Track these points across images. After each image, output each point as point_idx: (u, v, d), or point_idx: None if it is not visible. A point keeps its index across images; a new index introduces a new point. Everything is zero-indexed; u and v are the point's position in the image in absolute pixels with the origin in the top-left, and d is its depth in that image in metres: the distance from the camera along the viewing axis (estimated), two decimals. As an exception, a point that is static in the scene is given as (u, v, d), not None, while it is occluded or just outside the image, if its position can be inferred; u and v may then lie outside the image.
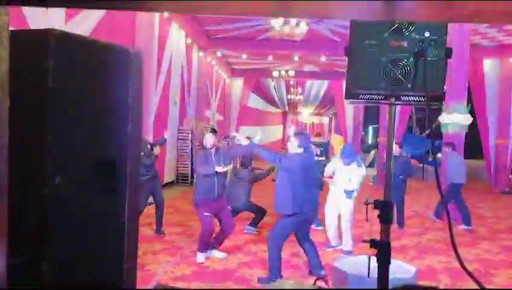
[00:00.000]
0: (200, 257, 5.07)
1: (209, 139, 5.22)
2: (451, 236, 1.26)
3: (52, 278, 2.03)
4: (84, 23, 6.28)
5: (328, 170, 5.97)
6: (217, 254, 5.25)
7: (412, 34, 1.96)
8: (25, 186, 1.99)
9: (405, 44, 1.96)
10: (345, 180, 5.64)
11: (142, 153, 6.01)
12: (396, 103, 2.07)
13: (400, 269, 3.01)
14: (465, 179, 7.98)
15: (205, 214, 5.06)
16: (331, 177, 5.91)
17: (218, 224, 5.35)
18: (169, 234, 6.32)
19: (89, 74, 2.22)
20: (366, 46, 1.98)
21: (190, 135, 12.05)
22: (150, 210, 8.06)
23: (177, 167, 11.93)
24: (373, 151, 20.38)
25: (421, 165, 17.83)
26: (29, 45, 2.02)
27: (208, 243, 5.17)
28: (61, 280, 2.05)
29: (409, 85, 1.95)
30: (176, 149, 11.87)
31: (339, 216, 5.88)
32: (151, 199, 8.16)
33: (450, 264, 5.38)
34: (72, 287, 2.08)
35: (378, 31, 1.98)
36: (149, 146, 6.37)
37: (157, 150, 6.39)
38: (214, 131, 5.34)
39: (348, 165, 5.68)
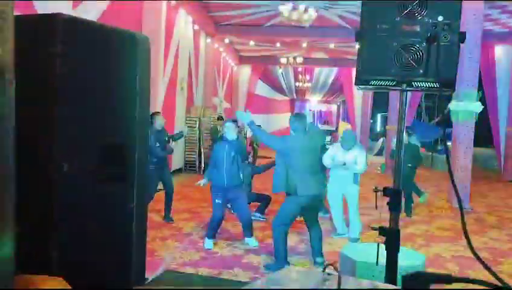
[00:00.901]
0: (208, 243, 5.11)
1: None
2: (463, 224, 1.24)
3: (61, 263, 2.05)
4: (91, 11, 6.25)
5: (326, 155, 5.88)
6: (250, 241, 5.29)
7: (425, 18, 1.91)
8: (34, 172, 1.99)
9: (417, 28, 1.92)
10: (351, 163, 5.60)
11: (158, 144, 6.04)
12: (407, 89, 2.03)
13: (408, 256, 3.00)
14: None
15: (216, 200, 5.12)
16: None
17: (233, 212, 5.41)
18: (177, 221, 6.36)
19: (97, 58, 2.21)
20: (378, 30, 1.94)
21: (198, 122, 12.04)
22: (158, 196, 8.10)
23: (185, 154, 11.96)
24: (381, 139, 20.26)
25: (430, 153, 17.73)
26: (37, 30, 2.02)
27: (216, 231, 5.20)
28: (70, 265, 2.06)
29: (421, 71, 1.91)
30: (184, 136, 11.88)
31: (345, 204, 5.87)
32: (160, 186, 8.20)
33: (458, 252, 5.36)
34: (82, 271, 2.10)
35: (390, 15, 1.94)
36: (167, 138, 6.39)
37: (173, 144, 6.38)
38: (221, 118, 5.37)
39: (349, 150, 5.65)
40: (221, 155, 5.14)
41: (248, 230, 5.33)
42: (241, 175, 5.31)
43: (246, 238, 5.34)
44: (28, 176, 1.70)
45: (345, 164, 5.60)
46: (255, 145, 12.49)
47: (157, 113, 6.46)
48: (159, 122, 6.22)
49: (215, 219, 5.14)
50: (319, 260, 4.60)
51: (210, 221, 5.22)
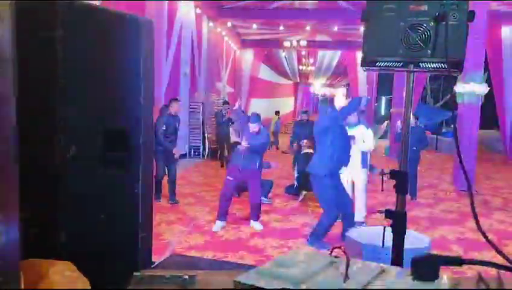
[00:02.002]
0: (217, 225, 5.18)
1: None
2: (472, 206, 1.23)
3: (67, 247, 2.06)
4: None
5: None
6: (256, 225, 5.34)
7: (433, -4, 1.87)
8: (39, 158, 1.99)
9: (425, 8, 1.87)
10: (359, 141, 5.55)
11: (164, 128, 6.37)
12: (415, 70, 1.99)
13: (414, 239, 3.00)
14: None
15: (228, 177, 5.27)
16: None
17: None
18: (182, 205, 6.40)
19: (99, 42, 2.18)
20: (384, 10, 1.90)
21: (201, 107, 12.01)
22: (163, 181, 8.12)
23: (189, 139, 11.97)
24: (386, 123, 20.17)
25: (435, 136, 17.64)
26: (37, 14, 1.98)
27: (225, 211, 5.27)
28: (78, 249, 2.08)
29: (429, 51, 1.87)
30: (187, 121, 11.88)
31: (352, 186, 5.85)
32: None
33: (463, 234, 5.38)
34: (89, 256, 2.11)
35: (397, -6, 1.89)
36: (178, 124, 6.70)
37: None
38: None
39: (354, 128, 5.55)
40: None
41: (255, 213, 5.36)
42: (258, 162, 5.33)
43: (251, 221, 5.38)
44: (32, 162, 1.70)
45: (354, 138, 5.51)
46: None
47: (175, 99, 6.80)
48: (175, 108, 6.62)
49: (222, 197, 5.24)
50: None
51: (219, 198, 5.33)
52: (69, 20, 2.01)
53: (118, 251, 2.33)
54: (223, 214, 5.24)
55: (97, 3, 6.49)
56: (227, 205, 5.29)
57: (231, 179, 5.24)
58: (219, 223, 5.20)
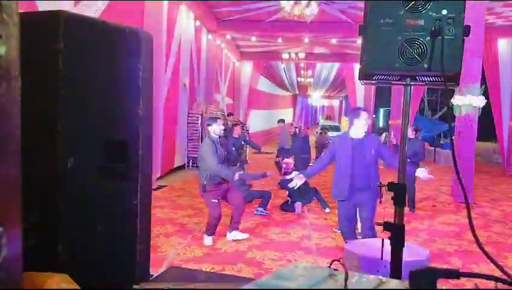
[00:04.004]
0: (208, 240, 5.11)
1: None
2: (470, 218, 1.24)
3: (66, 259, 2.06)
4: (92, 8, 6.24)
5: None
6: (238, 235, 5.29)
7: (429, 12, 1.90)
8: (38, 168, 2.00)
9: (421, 22, 1.90)
10: None
11: (234, 149, 6.58)
12: (411, 83, 2.02)
13: (413, 251, 2.99)
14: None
15: (212, 200, 5.06)
16: None
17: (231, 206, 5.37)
18: (180, 217, 6.38)
19: (100, 55, 2.20)
20: (381, 25, 1.92)
21: (200, 119, 12.04)
22: (160, 193, 8.12)
23: (187, 151, 11.97)
24: (384, 134, 20.21)
25: (433, 148, 17.69)
26: (39, 27, 2.01)
27: (215, 227, 5.18)
28: (75, 261, 2.07)
29: (426, 65, 1.89)
30: (186, 133, 11.90)
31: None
32: (160, 182, 8.23)
33: (462, 247, 5.36)
34: (86, 268, 2.10)
35: (394, 9, 1.92)
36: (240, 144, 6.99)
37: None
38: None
39: None
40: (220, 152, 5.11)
41: (237, 222, 5.31)
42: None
43: (234, 232, 5.30)
44: (31, 173, 1.70)
45: None
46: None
47: (236, 123, 7.31)
48: (237, 131, 7.84)
49: (214, 218, 5.11)
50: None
51: (208, 221, 5.16)
52: (70, 33, 2.03)
53: (115, 263, 2.33)
54: (212, 231, 5.17)
55: (103, 4, 6.56)
56: (217, 223, 5.20)
57: (215, 200, 5.10)
58: (209, 238, 5.16)
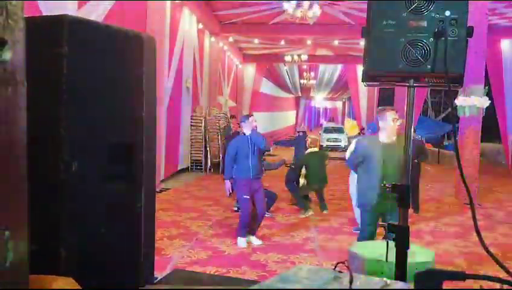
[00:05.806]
0: (241, 241, 5.13)
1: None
2: (474, 219, 1.23)
3: (70, 262, 2.06)
4: (95, 11, 6.28)
5: (348, 150, 5.93)
6: (254, 240, 5.28)
7: (432, 13, 1.89)
8: (42, 173, 2.00)
9: (424, 24, 1.90)
10: None
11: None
12: (415, 85, 2.02)
13: (417, 253, 2.98)
14: None
15: (244, 197, 5.14)
16: None
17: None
18: (184, 219, 6.38)
19: (103, 59, 2.21)
20: (384, 26, 1.92)
21: (203, 121, 12.06)
22: (164, 195, 8.13)
23: (191, 154, 11.99)
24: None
25: (437, 149, 17.63)
26: (43, 31, 2.02)
27: (248, 227, 5.19)
28: (79, 265, 2.08)
29: (429, 66, 1.89)
30: (189, 136, 11.92)
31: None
32: (164, 185, 8.23)
33: (467, 248, 5.33)
34: (90, 272, 2.11)
35: (397, 10, 1.92)
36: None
37: None
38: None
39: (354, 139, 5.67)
40: (246, 149, 5.14)
41: (256, 226, 5.31)
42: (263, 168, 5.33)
43: (250, 236, 5.32)
44: (36, 177, 1.71)
45: None
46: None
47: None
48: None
49: (246, 216, 5.13)
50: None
51: (241, 220, 5.19)
52: (74, 37, 2.05)
53: (120, 265, 2.33)
54: (244, 232, 5.19)
55: (110, 4, 6.60)
56: (249, 221, 5.24)
57: (247, 196, 5.15)
58: (242, 239, 5.18)
